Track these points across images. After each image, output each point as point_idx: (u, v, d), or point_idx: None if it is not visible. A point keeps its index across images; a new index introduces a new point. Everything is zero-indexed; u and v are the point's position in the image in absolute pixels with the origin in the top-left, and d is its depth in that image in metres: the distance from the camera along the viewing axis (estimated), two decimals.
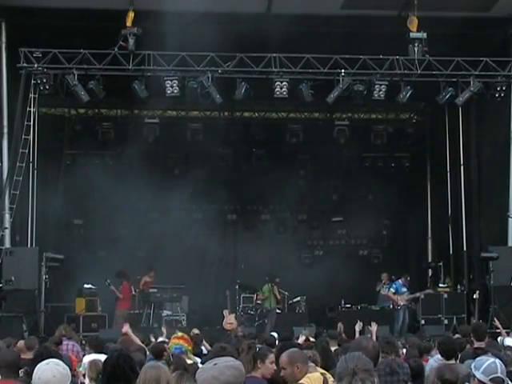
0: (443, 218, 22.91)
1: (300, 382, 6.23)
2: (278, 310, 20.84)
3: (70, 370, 8.66)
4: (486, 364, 5.20)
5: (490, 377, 5.13)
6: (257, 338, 12.20)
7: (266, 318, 20.47)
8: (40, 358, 6.05)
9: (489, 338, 10.93)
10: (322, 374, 6.43)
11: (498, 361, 5.27)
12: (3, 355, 6.64)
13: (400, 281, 20.55)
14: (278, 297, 20.72)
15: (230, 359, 4.12)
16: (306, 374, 6.29)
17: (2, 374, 6.34)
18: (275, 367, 6.78)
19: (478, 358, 5.40)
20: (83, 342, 14.06)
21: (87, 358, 9.92)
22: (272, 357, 6.80)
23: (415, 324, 20.41)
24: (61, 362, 5.27)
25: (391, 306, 20.93)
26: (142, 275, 21.17)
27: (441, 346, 8.40)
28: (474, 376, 5.21)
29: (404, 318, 20.11)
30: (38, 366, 5.19)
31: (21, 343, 10.98)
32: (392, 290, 20.36)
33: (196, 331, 13.02)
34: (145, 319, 20.25)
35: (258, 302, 20.78)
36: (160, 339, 12.60)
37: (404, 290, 20.38)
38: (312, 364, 6.85)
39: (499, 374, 5.17)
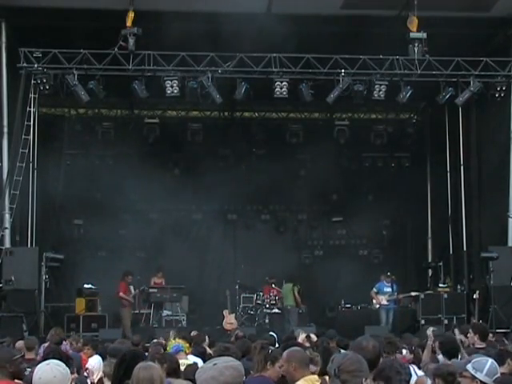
0: (443, 217, 22.91)
1: None
2: (277, 310, 20.80)
3: (81, 368, 8.70)
4: (488, 365, 5.23)
5: (494, 378, 5.17)
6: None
7: (264, 317, 20.47)
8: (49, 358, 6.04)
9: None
10: (320, 377, 6.41)
11: (493, 360, 5.30)
12: None
13: (384, 281, 20.51)
14: (298, 299, 20.65)
15: (229, 359, 4.10)
16: (302, 375, 6.29)
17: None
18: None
19: (474, 360, 5.40)
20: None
21: (94, 360, 10.03)
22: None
23: (415, 324, 20.39)
24: (61, 363, 5.27)
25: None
26: (151, 276, 21.09)
27: (443, 345, 8.34)
28: (474, 377, 5.21)
29: (388, 318, 20.00)
30: (39, 366, 5.20)
31: (20, 343, 10.99)
32: (374, 289, 20.38)
33: (194, 333, 12.98)
34: (145, 319, 20.24)
35: (258, 302, 20.77)
36: (154, 341, 12.60)
37: (387, 289, 20.33)
38: (315, 368, 6.87)
39: (499, 374, 5.21)
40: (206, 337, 11.74)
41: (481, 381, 5.20)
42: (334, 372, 4.23)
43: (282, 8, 18.52)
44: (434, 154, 24.12)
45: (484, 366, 5.24)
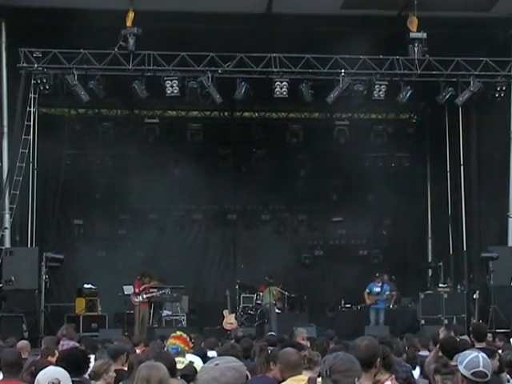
0: (443, 217, 22.90)
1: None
2: (277, 310, 20.76)
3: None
4: (469, 358, 5.14)
5: (472, 371, 5.06)
6: (255, 339, 12.16)
7: (265, 317, 20.45)
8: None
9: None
10: (310, 377, 6.40)
11: (482, 355, 5.17)
12: (5, 355, 6.65)
13: (375, 281, 20.62)
14: (278, 296, 20.67)
15: (231, 359, 4.09)
16: (289, 376, 6.31)
17: (4, 373, 6.36)
18: None
19: (463, 353, 5.36)
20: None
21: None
22: None
23: (415, 324, 20.39)
24: (64, 372, 5.27)
25: (391, 306, 20.96)
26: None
27: (442, 345, 8.33)
28: (458, 370, 5.19)
29: (378, 318, 20.06)
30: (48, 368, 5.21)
31: (20, 343, 10.97)
32: (367, 290, 20.48)
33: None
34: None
35: (258, 302, 20.75)
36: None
37: (376, 289, 20.41)
38: (317, 368, 6.86)
39: (481, 368, 5.08)
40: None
41: (461, 373, 5.16)
42: (325, 373, 4.23)
43: (282, 8, 18.52)
44: (434, 154, 24.12)
45: (465, 358, 5.19)
